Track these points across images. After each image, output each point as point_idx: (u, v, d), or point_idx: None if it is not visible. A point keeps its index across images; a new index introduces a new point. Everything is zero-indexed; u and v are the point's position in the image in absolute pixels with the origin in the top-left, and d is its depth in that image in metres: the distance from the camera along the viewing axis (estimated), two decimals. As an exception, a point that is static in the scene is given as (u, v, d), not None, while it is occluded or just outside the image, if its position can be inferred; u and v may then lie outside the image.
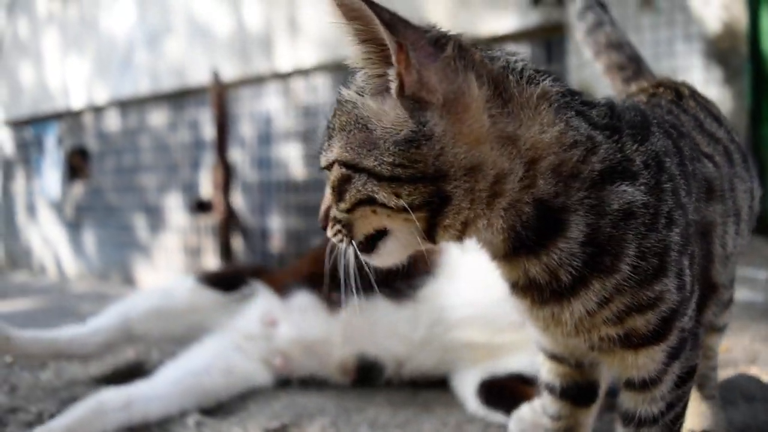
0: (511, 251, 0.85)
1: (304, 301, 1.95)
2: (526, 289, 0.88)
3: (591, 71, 2.90)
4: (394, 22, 0.76)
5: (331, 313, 1.90)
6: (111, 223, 6.72)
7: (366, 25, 0.78)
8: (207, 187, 5.74)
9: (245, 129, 5.56)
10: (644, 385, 0.91)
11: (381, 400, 1.87)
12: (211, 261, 5.69)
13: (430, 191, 0.79)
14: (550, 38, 3.90)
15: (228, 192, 5.49)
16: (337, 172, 0.84)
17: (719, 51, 3.43)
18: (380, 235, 0.86)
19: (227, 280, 2.14)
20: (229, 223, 5.51)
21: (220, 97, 5.40)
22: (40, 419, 1.66)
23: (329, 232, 0.89)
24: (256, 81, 5.39)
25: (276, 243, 5.40)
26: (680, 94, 1.18)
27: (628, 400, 0.94)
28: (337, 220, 0.87)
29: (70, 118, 7.18)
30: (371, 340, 1.88)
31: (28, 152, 7.81)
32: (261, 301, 2.04)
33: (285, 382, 1.98)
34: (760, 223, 1.24)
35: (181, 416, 1.70)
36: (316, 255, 2.13)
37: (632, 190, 0.82)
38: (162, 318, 2.04)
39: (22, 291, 5.46)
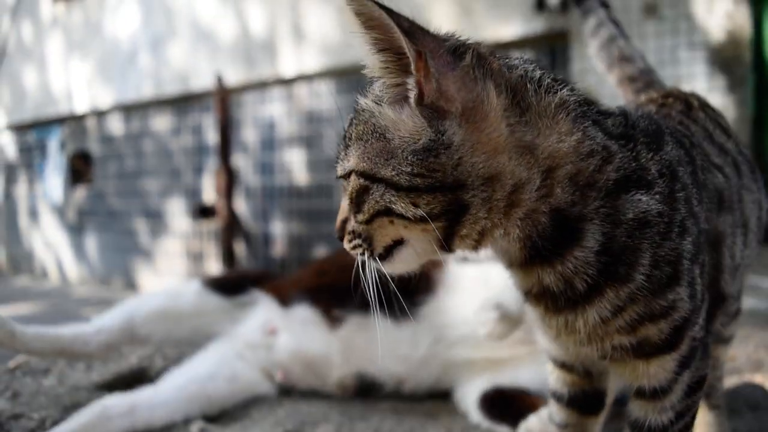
0: (527, 260, 0.85)
1: (305, 313, 1.94)
2: (540, 296, 0.88)
3: (595, 78, 2.90)
4: (413, 30, 0.76)
5: (331, 329, 1.89)
6: (113, 227, 6.72)
7: (384, 34, 0.77)
8: (210, 192, 5.75)
9: (248, 134, 5.56)
10: (655, 394, 0.91)
11: (385, 408, 1.86)
12: (214, 266, 5.69)
13: (449, 200, 0.78)
14: (554, 45, 3.92)
15: (231, 197, 5.50)
16: (354, 182, 0.83)
17: (723, 59, 3.44)
18: (396, 244, 0.85)
19: (232, 285, 2.13)
20: (232, 228, 5.51)
21: (224, 102, 5.41)
22: (42, 426, 1.65)
23: (347, 246, 0.88)
24: (260, 86, 5.41)
25: (278, 248, 5.40)
26: (690, 105, 1.19)
27: (637, 409, 0.94)
28: (356, 234, 0.86)
29: (73, 122, 7.20)
30: (371, 360, 1.87)
31: (31, 156, 7.83)
32: (263, 309, 2.03)
33: (288, 390, 1.97)
34: (764, 231, 1.24)
35: (185, 423, 1.70)
36: (318, 267, 2.12)
37: (647, 199, 0.82)
38: (167, 320, 2.03)
39: (24, 295, 5.47)
